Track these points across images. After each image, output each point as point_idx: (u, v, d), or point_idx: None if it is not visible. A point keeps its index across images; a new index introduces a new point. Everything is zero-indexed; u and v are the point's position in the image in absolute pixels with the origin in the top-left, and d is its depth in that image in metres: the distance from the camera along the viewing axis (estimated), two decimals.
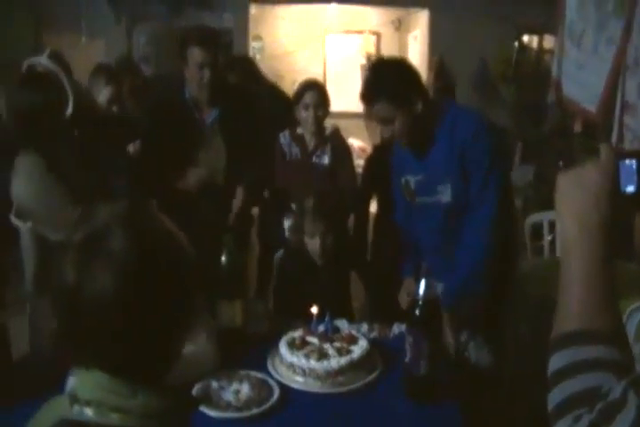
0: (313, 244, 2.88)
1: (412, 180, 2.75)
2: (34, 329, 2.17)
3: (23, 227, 2.90)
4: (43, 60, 3.52)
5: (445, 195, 2.64)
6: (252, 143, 3.26)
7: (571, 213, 1.02)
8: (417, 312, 2.06)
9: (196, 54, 3.08)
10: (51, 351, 2.07)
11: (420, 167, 2.70)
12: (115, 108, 3.52)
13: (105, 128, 3.33)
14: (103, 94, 3.50)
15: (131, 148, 3.48)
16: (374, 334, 2.50)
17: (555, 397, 0.92)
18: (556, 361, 0.94)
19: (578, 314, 0.96)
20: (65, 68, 3.52)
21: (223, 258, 2.39)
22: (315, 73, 8.03)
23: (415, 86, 2.62)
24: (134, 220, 1.11)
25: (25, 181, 2.83)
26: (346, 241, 3.04)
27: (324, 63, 9.01)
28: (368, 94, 2.60)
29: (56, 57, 3.62)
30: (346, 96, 7.11)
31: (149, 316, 1.07)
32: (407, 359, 2.08)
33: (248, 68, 4.60)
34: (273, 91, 4.63)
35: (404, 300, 2.73)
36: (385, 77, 2.59)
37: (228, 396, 2.02)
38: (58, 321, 1.10)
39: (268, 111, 3.94)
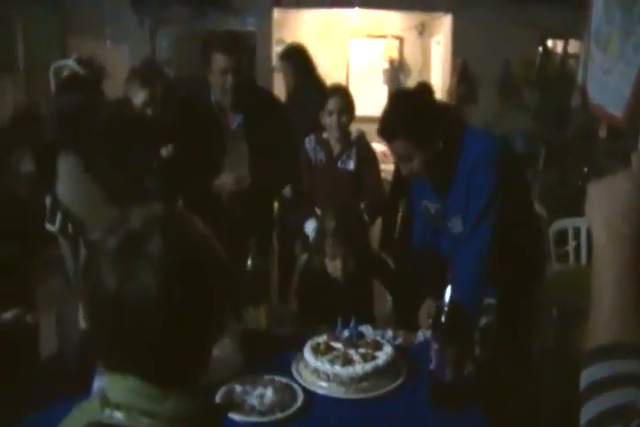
0: (334, 265, 2.80)
1: (432, 206, 2.71)
2: (62, 330, 2.19)
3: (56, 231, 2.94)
4: (70, 63, 3.56)
5: (456, 226, 2.62)
6: (276, 149, 3.25)
7: (601, 221, 1.02)
8: (442, 319, 2.04)
9: (219, 61, 3.10)
10: (78, 352, 2.09)
11: (438, 198, 2.66)
12: (149, 111, 3.52)
13: (140, 129, 3.35)
14: (139, 97, 3.51)
15: (164, 151, 3.49)
16: (399, 341, 2.49)
17: (588, 412, 0.90)
18: (589, 375, 0.93)
19: (610, 324, 0.95)
20: (95, 72, 3.56)
21: (249, 263, 2.39)
22: (338, 77, 8.04)
23: (436, 123, 2.46)
24: (171, 222, 1.11)
25: (64, 181, 2.87)
26: (369, 258, 2.94)
27: (347, 67, 9.05)
28: (385, 131, 2.46)
29: (86, 61, 3.66)
30: (368, 100, 7.10)
31: (185, 320, 1.07)
32: (432, 366, 2.07)
33: (301, 57, 4.60)
34: (319, 84, 4.60)
35: (424, 320, 2.63)
36: (404, 114, 2.43)
37: (252, 400, 2.02)
38: (91, 325, 1.11)
39: (308, 107, 3.90)
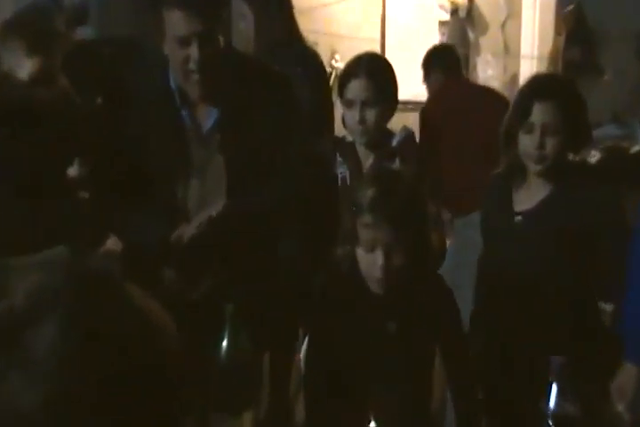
0: (371, 260, 1.88)
1: None
2: None
3: None
4: None
5: None
6: (272, 163, 2.31)
7: None
8: None
9: (175, 22, 2.09)
10: None
11: None
12: (43, 92, 2.65)
13: (30, 124, 2.46)
14: (24, 69, 2.62)
15: (71, 170, 2.59)
16: None
17: None
18: None
19: None
20: None
21: (223, 344, 1.73)
22: (367, 38, 6.47)
23: None
24: (78, 300, 0.82)
25: None
26: (427, 263, 2.05)
27: (383, 21, 7.34)
28: None
29: None
30: (412, 75, 4.77)
31: None
32: None
33: (281, 13, 3.25)
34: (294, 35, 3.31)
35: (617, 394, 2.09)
36: None
37: None
38: None
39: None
